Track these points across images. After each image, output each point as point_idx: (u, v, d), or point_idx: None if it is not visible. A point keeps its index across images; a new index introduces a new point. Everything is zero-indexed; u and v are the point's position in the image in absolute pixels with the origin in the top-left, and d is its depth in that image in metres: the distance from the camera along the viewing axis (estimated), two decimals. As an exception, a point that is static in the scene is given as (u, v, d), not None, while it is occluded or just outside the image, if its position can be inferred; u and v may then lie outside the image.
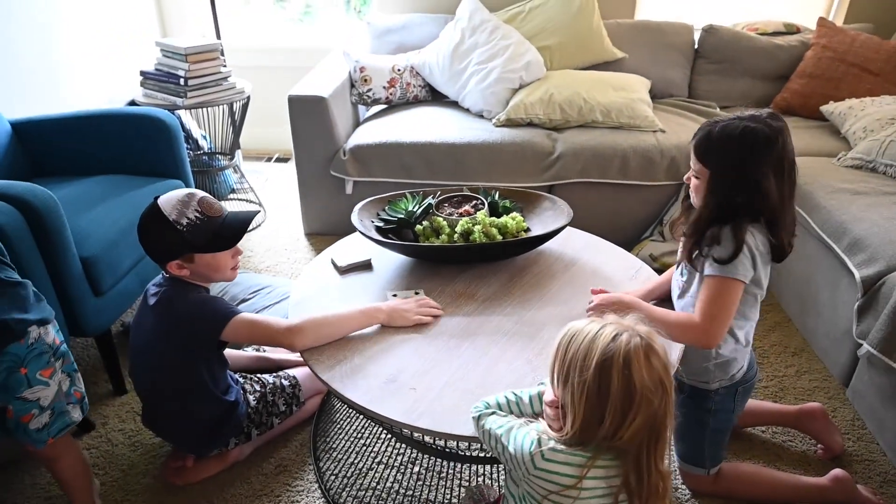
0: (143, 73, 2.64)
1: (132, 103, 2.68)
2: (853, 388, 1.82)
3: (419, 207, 1.67)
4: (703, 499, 1.52)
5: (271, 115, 3.46)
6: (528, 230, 1.67)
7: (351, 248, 1.72)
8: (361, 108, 2.95)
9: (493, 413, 1.05)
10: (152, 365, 1.48)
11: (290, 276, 2.44)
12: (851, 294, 1.78)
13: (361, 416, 1.71)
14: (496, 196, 1.75)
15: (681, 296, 1.40)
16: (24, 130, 2.14)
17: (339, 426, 1.74)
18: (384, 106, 2.91)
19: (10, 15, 2.39)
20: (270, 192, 3.19)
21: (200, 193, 1.43)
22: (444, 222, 1.60)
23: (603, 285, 1.54)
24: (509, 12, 2.89)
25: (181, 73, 2.51)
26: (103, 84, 2.87)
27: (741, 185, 1.21)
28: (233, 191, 3.09)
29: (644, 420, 0.86)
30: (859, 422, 1.76)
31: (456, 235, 1.57)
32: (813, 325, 2.05)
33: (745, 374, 1.42)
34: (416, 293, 1.51)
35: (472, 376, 1.26)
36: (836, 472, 1.50)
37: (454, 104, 2.85)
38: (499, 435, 0.98)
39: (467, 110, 2.78)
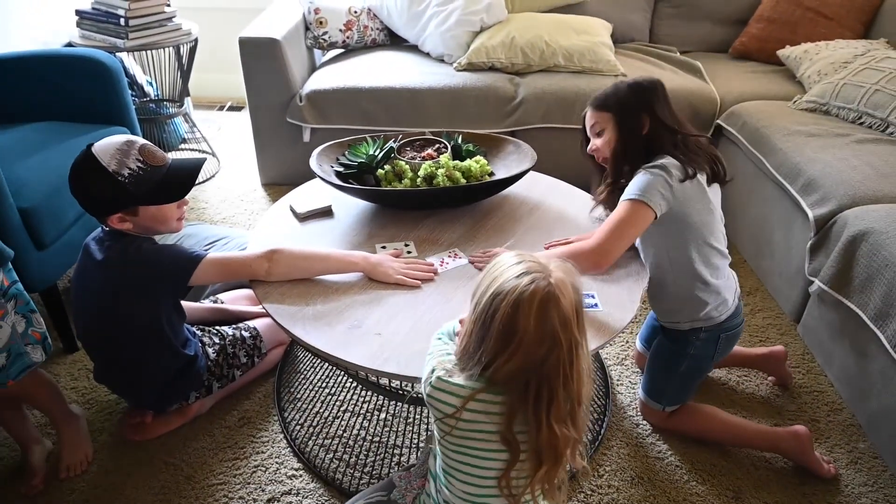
0: (78, 13, 2.46)
1: (69, 45, 2.50)
2: (804, 324, 1.89)
3: (380, 151, 1.62)
4: (664, 434, 1.57)
5: (222, 61, 3.30)
6: (492, 174, 1.64)
7: (310, 195, 1.67)
8: (317, 53, 2.83)
9: (438, 338, 1.05)
10: (106, 322, 1.41)
11: (247, 227, 2.36)
12: (804, 234, 1.82)
13: (326, 365, 1.70)
14: (459, 140, 1.71)
15: None
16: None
17: (303, 376, 1.72)
18: (341, 50, 2.80)
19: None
20: (224, 141, 3.06)
21: (140, 141, 1.33)
22: (407, 166, 1.56)
23: (567, 229, 1.54)
24: (469, -49, 2.78)
25: (121, 12, 2.34)
26: (37, 25, 2.66)
27: (642, 112, 1.35)
28: (184, 140, 2.95)
29: (519, 365, 0.84)
30: (809, 356, 1.84)
31: (419, 180, 1.54)
32: (767, 266, 2.11)
33: (729, 321, 1.44)
34: (406, 245, 1.47)
35: (438, 321, 1.24)
36: (798, 427, 1.48)
37: (414, 48, 2.76)
38: (426, 362, 1.00)
39: (427, 54, 2.69)
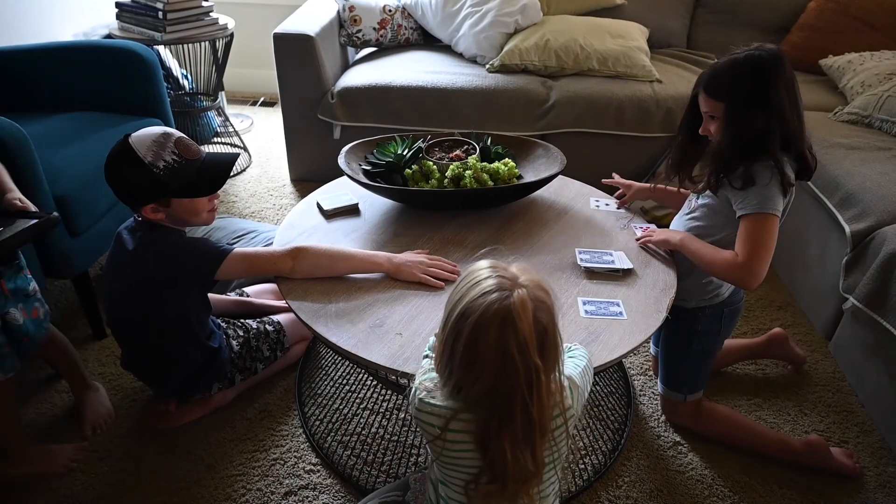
0: (118, 5, 2.51)
1: (108, 37, 2.55)
2: (836, 342, 1.84)
3: (409, 151, 1.62)
4: (686, 437, 1.54)
5: (257, 56, 3.34)
6: (520, 177, 1.63)
7: (338, 192, 1.68)
8: (350, 50, 2.84)
9: (425, 355, 1.03)
10: (134, 311, 1.43)
11: (275, 222, 2.39)
12: (840, 249, 1.77)
13: (347, 362, 1.70)
14: (488, 141, 1.70)
15: (689, 214, 1.42)
16: (-8, 61, 2.03)
17: (324, 372, 1.73)
18: (374, 49, 2.81)
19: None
20: (255, 136, 3.10)
21: (177, 133, 1.35)
22: (435, 167, 1.56)
23: (595, 234, 1.52)
24: (505, -48, 2.76)
25: (159, 5, 2.38)
26: (78, 16, 2.73)
27: (758, 108, 1.22)
28: (216, 134, 2.99)
29: (485, 388, 0.81)
30: (839, 374, 1.78)
31: (446, 181, 1.53)
32: (800, 281, 2.05)
33: (731, 297, 1.44)
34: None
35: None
36: (811, 437, 1.50)
37: (447, 48, 2.76)
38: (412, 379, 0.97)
39: (460, 55, 2.69)
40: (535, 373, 0.81)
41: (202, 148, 1.40)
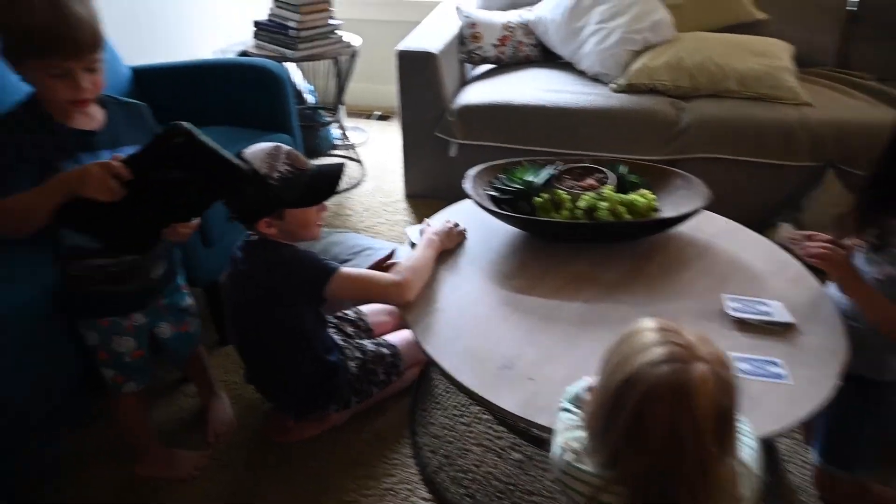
0: (257, 24, 2.62)
1: (243, 54, 2.67)
2: None
3: (539, 178, 1.55)
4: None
5: (374, 71, 3.39)
6: (657, 210, 1.51)
7: (459, 217, 1.63)
8: (467, 66, 2.81)
9: (563, 408, 0.95)
10: (253, 326, 1.47)
11: (388, 237, 2.39)
12: None
13: (461, 393, 1.65)
14: (623, 170, 1.60)
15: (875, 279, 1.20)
16: (142, 77, 2.17)
17: (437, 402, 1.68)
18: (492, 66, 2.76)
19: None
20: (370, 149, 3.14)
21: (285, 146, 1.38)
22: (567, 196, 1.47)
23: (744, 280, 1.37)
24: (637, -35, 2.64)
25: (293, 24, 2.46)
26: (216, 33, 2.88)
27: None
28: (333, 147, 3.06)
29: (648, 465, 0.72)
30: None
31: (579, 211, 1.44)
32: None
33: None
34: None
35: (594, 371, 1.15)
36: None
37: (567, 66, 2.66)
38: (553, 434, 0.90)
39: (582, 73, 2.58)
40: (707, 460, 0.71)
41: (320, 160, 1.42)
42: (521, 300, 1.35)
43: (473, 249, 1.53)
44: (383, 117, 3.52)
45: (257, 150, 1.35)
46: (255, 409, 1.69)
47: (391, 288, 1.35)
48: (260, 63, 2.14)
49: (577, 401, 0.95)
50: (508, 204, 1.56)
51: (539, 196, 1.50)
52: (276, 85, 2.11)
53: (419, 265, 1.41)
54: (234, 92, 2.15)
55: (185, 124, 1.04)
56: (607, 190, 1.46)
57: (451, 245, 1.51)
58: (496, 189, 1.58)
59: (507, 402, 1.09)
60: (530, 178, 1.56)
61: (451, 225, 1.55)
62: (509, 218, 1.47)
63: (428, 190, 2.63)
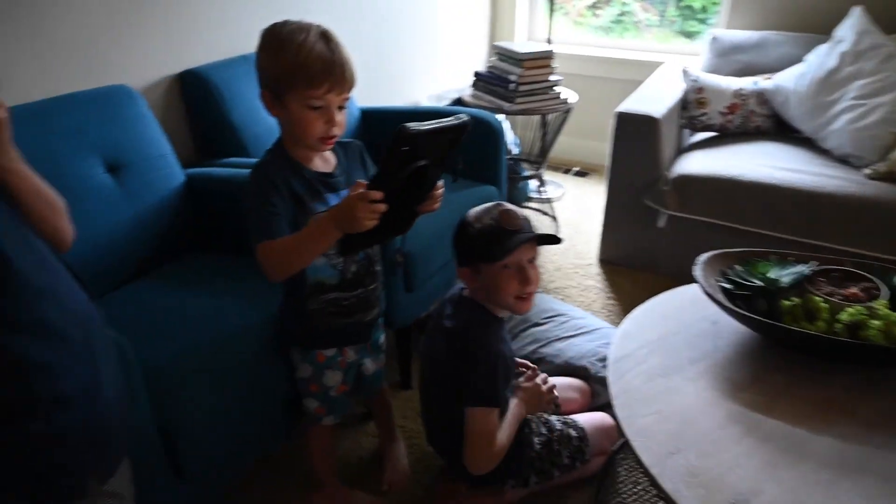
0: (477, 75, 2.69)
1: (457, 101, 2.75)
2: None
3: (786, 277, 1.34)
4: None
5: (579, 126, 3.33)
6: (941, 337, 1.22)
7: (675, 303, 1.47)
8: (685, 133, 2.64)
9: None
10: (440, 386, 1.44)
11: (577, 302, 2.27)
12: None
13: (651, 497, 1.47)
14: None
15: None
16: (368, 117, 2.30)
17: (622, 499, 1.52)
18: (713, 134, 2.55)
19: (362, 13, 2.58)
20: (565, 205, 3.06)
21: (508, 205, 1.35)
22: (825, 305, 1.25)
23: None
24: (911, 37, 2.30)
25: (513, 77, 2.48)
26: (434, 80, 3.02)
27: None
28: (528, 199, 3.03)
29: None
30: None
31: (839, 325, 1.22)
32: None
33: None
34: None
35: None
36: None
37: (806, 142, 2.38)
38: None
39: (826, 153, 2.29)
40: None
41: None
42: (757, 421, 1.15)
43: (696, 346, 1.35)
44: (581, 173, 3.43)
45: (483, 204, 1.36)
46: (430, 462, 1.65)
47: (486, 451, 1.33)
48: (480, 114, 2.16)
49: None
50: (743, 301, 1.37)
51: (788, 299, 1.30)
52: (493, 138, 2.13)
53: (505, 443, 1.36)
54: (453, 141, 2.20)
55: (407, 129, 1.04)
56: (881, 306, 1.21)
57: (533, 413, 1.45)
58: (730, 281, 1.40)
59: (744, 550, 0.91)
60: (774, 276, 1.36)
61: (545, 388, 1.46)
62: (752, 321, 1.28)
63: (624, 258, 2.47)
